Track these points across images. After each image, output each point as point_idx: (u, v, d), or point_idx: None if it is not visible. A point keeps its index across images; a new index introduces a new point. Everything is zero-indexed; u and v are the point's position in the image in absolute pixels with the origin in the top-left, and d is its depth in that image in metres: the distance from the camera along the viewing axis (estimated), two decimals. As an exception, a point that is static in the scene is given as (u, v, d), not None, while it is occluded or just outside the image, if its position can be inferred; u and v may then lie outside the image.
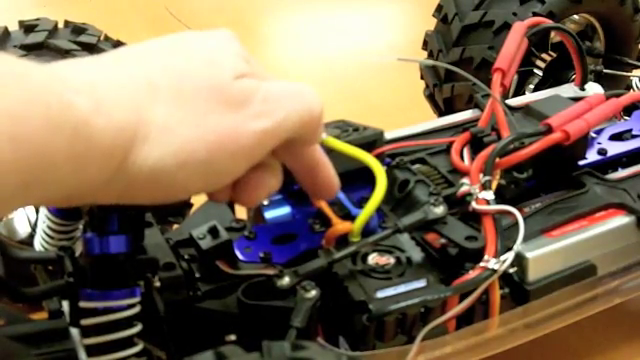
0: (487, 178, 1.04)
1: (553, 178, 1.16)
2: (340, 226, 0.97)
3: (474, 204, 1.02)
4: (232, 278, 0.92)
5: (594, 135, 1.26)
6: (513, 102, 1.32)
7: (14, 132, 0.48)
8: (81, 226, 1.01)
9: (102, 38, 1.30)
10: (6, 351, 0.80)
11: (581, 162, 1.18)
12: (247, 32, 2.54)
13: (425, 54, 1.71)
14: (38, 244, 1.02)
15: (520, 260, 1.00)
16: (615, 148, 1.24)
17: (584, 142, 1.15)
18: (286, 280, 0.89)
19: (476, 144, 1.15)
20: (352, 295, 0.92)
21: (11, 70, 0.51)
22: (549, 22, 1.36)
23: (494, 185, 1.05)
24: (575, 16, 1.63)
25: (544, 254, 1.02)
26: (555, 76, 1.61)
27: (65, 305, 0.86)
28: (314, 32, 2.56)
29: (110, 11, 2.63)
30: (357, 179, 1.04)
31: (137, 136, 0.57)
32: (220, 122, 0.62)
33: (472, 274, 0.95)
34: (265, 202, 1.09)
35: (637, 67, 1.70)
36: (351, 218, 0.98)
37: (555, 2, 1.48)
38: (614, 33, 1.65)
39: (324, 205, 1.01)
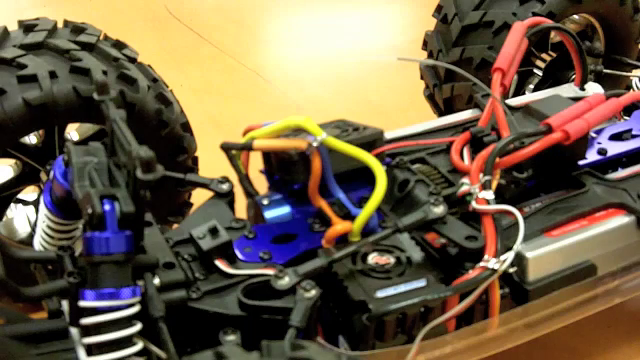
0: (487, 178, 1.04)
1: (553, 178, 1.16)
2: (340, 226, 0.97)
3: (474, 204, 1.02)
4: (232, 278, 0.92)
5: (594, 135, 1.26)
6: (513, 102, 1.32)
7: None
8: (81, 225, 1.01)
9: (101, 37, 1.30)
10: (6, 351, 0.80)
11: (581, 162, 1.18)
12: (247, 32, 2.54)
13: (425, 54, 1.71)
14: (38, 244, 1.02)
15: (520, 260, 1.00)
16: (615, 148, 1.24)
17: (584, 142, 1.15)
18: (286, 280, 0.89)
19: (476, 144, 1.15)
20: (352, 295, 0.92)
21: None
22: (549, 22, 1.36)
23: (494, 185, 1.05)
24: (575, 16, 1.64)
25: (544, 254, 1.02)
26: (555, 76, 1.61)
27: (65, 305, 0.86)
28: (314, 32, 2.56)
29: (110, 11, 2.63)
30: (357, 179, 1.05)
31: None
32: None
33: (472, 274, 0.95)
34: (265, 202, 1.09)
35: (637, 67, 1.70)
36: (351, 218, 0.98)
37: (555, 2, 1.49)
38: (614, 33, 1.65)
39: (324, 205, 1.01)
